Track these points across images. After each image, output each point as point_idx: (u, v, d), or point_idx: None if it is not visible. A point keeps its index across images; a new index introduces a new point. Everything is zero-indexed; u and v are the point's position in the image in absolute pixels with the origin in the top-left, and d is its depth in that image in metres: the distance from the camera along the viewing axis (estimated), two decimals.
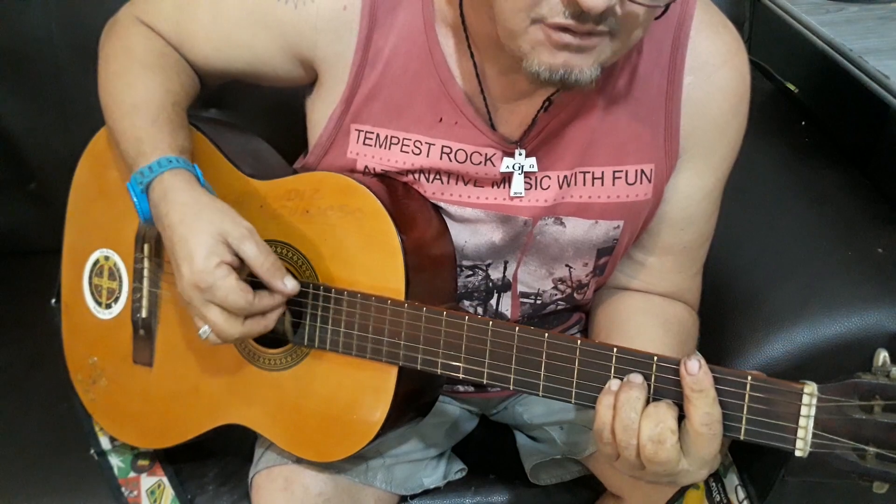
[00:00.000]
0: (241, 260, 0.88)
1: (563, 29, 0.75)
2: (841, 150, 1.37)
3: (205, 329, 0.88)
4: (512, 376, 0.85)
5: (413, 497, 1.11)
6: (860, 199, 1.26)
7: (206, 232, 0.86)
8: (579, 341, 0.81)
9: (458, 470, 1.14)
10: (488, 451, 1.19)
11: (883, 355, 0.71)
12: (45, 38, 1.37)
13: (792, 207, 1.26)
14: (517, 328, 0.84)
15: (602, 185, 0.95)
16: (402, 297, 0.89)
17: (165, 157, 0.91)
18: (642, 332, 0.98)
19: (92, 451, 1.13)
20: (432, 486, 1.12)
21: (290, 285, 0.89)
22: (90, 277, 1.08)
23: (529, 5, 0.75)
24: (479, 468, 1.16)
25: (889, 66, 1.22)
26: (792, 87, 1.56)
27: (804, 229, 1.21)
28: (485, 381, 0.86)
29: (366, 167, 0.96)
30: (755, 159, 1.31)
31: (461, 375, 0.87)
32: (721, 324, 1.06)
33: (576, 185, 0.95)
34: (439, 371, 0.88)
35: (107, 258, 1.07)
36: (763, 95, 1.51)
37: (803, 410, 0.73)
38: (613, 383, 0.78)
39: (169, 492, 1.11)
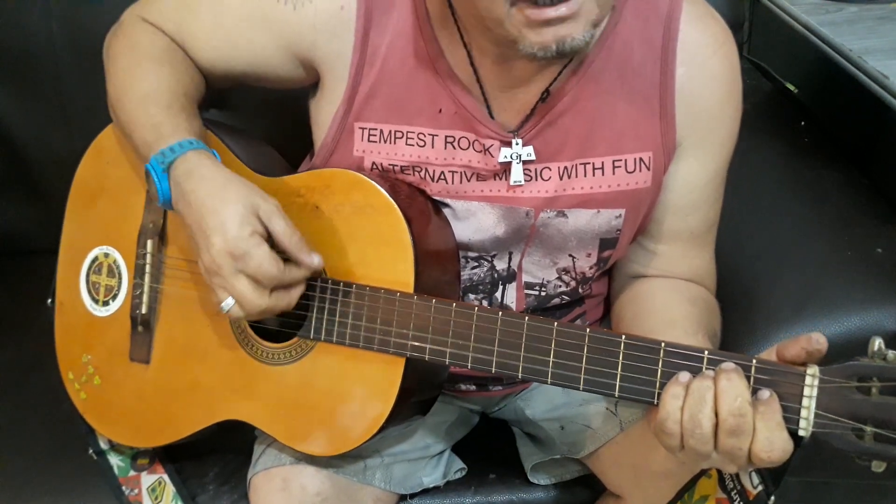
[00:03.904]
0: (268, 234, 0.88)
1: (540, 2, 0.77)
2: (841, 150, 1.37)
3: (228, 301, 0.88)
4: (521, 364, 0.86)
5: (412, 496, 1.11)
6: (860, 199, 1.26)
7: (239, 202, 0.87)
8: (588, 330, 0.83)
9: (457, 469, 1.15)
10: (488, 450, 1.19)
11: (878, 342, 0.74)
12: (45, 38, 1.37)
13: (792, 207, 1.26)
14: (527, 318, 0.86)
15: (602, 174, 0.96)
16: (410, 290, 0.91)
17: (187, 139, 0.92)
18: (670, 306, 0.99)
19: (90, 451, 1.13)
20: (432, 486, 1.12)
21: (315, 259, 0.90)
22: (88, 275, 1.08)
23: None
24: (479, 468, 1.16)
25: (889, 66, 1.22)
26: (792, 87, 1.56)
27: (804, 229, 1.21)
28: (493, 371, 0.87)
29: (373, 163, 0.97)
30: (755, 159, 1.32)
31: (469, 365, 0.88)
32: (721, 330, 1.06)
33: (576, 176, 0.96)
34: (447, 361, 0.89)
35: (106, 255, 1.07)
36: (763, 95, 1.52)
37: (806, 391, 0.75)
38: (682, 375, 0.78)
39: (170, 488, 1.11)
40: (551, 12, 0.77)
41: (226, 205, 0.87)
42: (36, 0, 1.36)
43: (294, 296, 0.90)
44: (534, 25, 0.78)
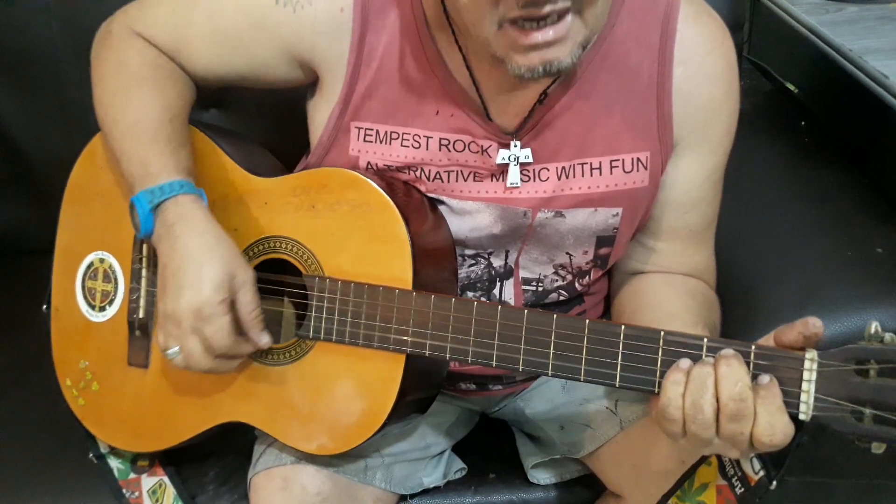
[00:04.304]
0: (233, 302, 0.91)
1: (527, 20, 0.77)
2: (841, 150, 1.37)
3: (174, 350, 0.91)
4: (521, 357, 0.86)
5: (413, 496, 1.12)
6: (860, 199, 1.26)
7: (220, 266, 0.90)
8: (587, 321, 0.83)
9: (457, 469, 1.15)
10: (488, 450, 1.19)
11: (874, 325, 0.75)
12: (45, 38, 1.37)
13: (792, 207, 1.26)
14: (526, 311, 0.86)
15: (600, 174, 0.96)
16: (408, 287, 0.91)
17: (178, 180, 0.93)
18: (670, 300, 0.99)
19: (90, 455, 1.13)
20: (432, 486, 1.12)
21: (264, 339, 0.93)
22: (83, 280, 1.08)
23: (488, 11, 0.78)
24: (479, 468, 1.16)
25: (889, 66, 1.22)
26: (792, 87, 1.56)
27: (804, 229, 1.21)
28: (494, 365, 0.88)
29: (368, 163, 0.97)
30: (755, 159, 1.32)
31: (470, 359, 0.88)
32: (720, 325, 1.06)
33: (574, 176, 0.96)
34: (448, 356, 0.89)
35: (102, 260, 1.07)
36: (763, 95, 1.52)
37: (805, 375, 0.76)
38: (683, 362, 0.79)
39: (170, 491, 1.11)
40: (538, 36, 0.78)
41: (209, 265, 0.89)
42: (36, 0, 1.36)
43: (233, 365, 0.94)
44: (520, 49, 0.79)
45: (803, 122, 1.44)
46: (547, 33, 0.78)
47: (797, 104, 1.50)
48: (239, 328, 0.92)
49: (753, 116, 1.41)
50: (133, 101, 0.97)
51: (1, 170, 1.47)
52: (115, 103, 0.98)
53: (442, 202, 0.98)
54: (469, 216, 0.98)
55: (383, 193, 0.92)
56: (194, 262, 0.90)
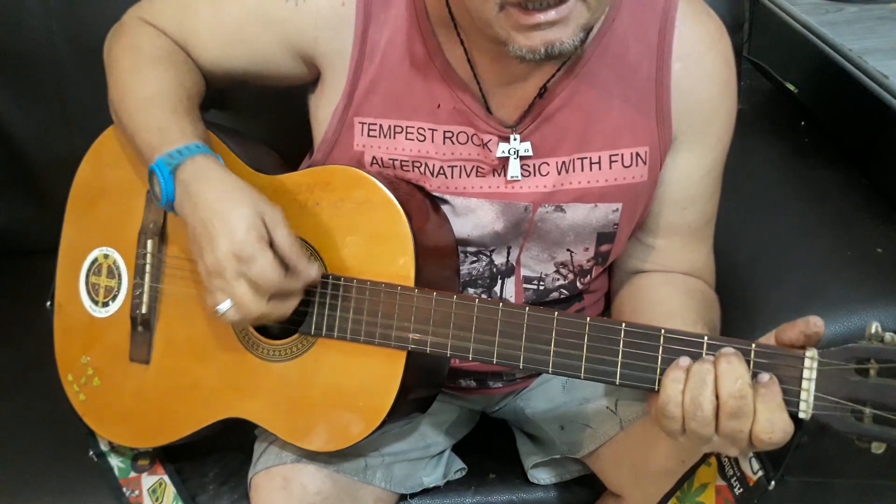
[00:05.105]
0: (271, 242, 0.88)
1: (529, 6, 0.77)
2: (841, 150, 1.37)
3: (225, 304, 0.88)
4: (522, 353, 0.86)
5: (413, 496, 1.12)
6: (860, 199, 1.26)
7: (247, 206, 0.88)
8: (588, 318, 0.84)
9: (457, 469, 1.15)
10: (488, 450, 1.19)
11: (875, 325, 0.75)
12: (45, 38, 1.37)
13: (792, 207, 1.26)
14: (527, 308, 0.86)
15: (599, 169, 0.97)
16: (411, 285, 0.91)
17: (194, 142, 0.92)
18: (669, 299, 0.99)
19: (91, 453, 1.13)
20: (432, 485, 1.12)
21: (314, 270, 0.90)
22: (87, 276, 1.08)
23: None
24: (479, 468, 1.16)
25: (889, 66, 1.23)
26: (792, 87, 1.56)
27: (804, 229, 1.21)
28: (494, 361, 0.88)
29: (373, 158, 0.97)
30: (755, 159, 1.32)
31: (471, 356, 0.89)
32: (720, 324, 1.06)
33: (574, 171, 0.97)
34: (448, 353, 0.90)
35: (106, 256, 1.07)
36: (763, 95, 1.52)
37: (805, 374, 0.76)
38: (683, 360, 0.79)
39: (171, 489, 1.11)
40: (540, 17, 0.78)
41: (235, 208, 0.87)
42: (36, 0, 1.36)
43: (290, 306, 0.90)
44: (522, 29, 0.79)
45: (803, 122, 1.44)
46: (549, 14, 0.78)
47: (797, 104, 1.50)
48: (283, 265, 0.89)
49: (753, 116, 1.42)
50: (150, 78, 0.97)
51: (1, 170, 1.47)
52: (131, 80, 0.98)
53: (445, 202, 0.99)
54: (472, 214, 0.99)
55: (386, 191, 0.92)
56: (220, 211, 0.87)
